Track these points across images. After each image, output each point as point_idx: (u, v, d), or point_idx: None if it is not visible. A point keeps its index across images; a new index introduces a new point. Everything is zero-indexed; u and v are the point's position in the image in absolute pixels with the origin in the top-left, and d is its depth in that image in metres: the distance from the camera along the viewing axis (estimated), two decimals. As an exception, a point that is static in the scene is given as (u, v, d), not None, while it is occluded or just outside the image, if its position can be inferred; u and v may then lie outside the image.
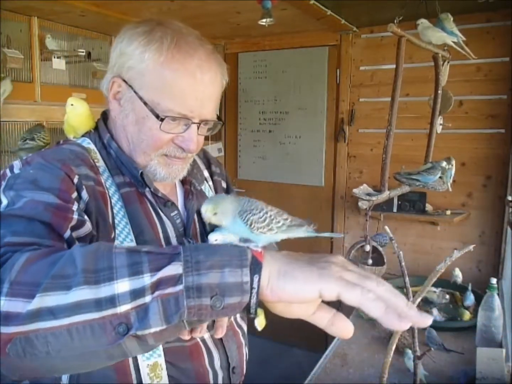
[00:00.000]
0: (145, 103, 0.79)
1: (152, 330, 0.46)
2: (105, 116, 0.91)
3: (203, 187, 1.00)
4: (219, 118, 0.87)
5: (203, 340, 0.85)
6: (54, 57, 2.27)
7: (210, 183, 1.05)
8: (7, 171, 0.73)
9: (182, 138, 0.82)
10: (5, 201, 0.65)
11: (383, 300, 0.46)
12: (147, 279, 0.46)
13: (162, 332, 0.47)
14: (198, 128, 0.82)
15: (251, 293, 0.47)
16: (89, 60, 2.43)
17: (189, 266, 0.47)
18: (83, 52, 2.36)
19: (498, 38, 2.36)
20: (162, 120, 0.78)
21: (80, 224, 0.68)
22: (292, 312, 0.51)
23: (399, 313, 0.46)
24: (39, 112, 2.19)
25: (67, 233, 0.64)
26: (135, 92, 0.80)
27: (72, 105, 0.91)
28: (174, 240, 0.87)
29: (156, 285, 0.46)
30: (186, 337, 0.61)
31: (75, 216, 0.67)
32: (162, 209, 0.87)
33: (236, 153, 3.37)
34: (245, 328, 0.99)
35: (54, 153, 0.78)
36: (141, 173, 0.84)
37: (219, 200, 0.59)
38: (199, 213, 0.94)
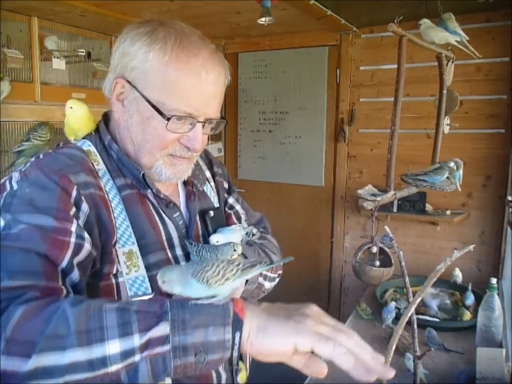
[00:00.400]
0: (151, 103, 0.78)
1: None
2: (106, 117, 0.90)
3: (205, 188, 1.00)
4: (222, 117, 0.87)
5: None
6: (54, 57, 2.26)
7: (212, 183, 1.04)
8: (6, 183, 0.73)
9: (188, 137, 0.82)
10: (2, 223, 0.65)
11: (353, 353, 0.52)
12: (136, 340, 0.50)
13: None
14: (202, 127, 0.82)
15: (232, 348, 0.52)
16: (89, 60, 2.43)
17: (176, 326, 0.51)
18: (83, 52, 2.36)
19: (498, 38, 2.36)
20: (168, 119, 0.78)
21: (78, 249, 0.69)
22: (271, 359, 0.55)
23: (367, 366, 0.52)
24: (39, 112, 2.18)
25: (64, 263, 0.66)
26: (139, 92, 0.79)
27: (71, 107, 0.89)
28: (176, 242, 0.87)
29: (145, 346, 0.51)
30: None
31: (73, 240, 0.68)
32: (165, 211, 0.87)
33: (236, 153, 3.37)
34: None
35: (52, 162, 0.77)
36: (143, 174, 0.83)
37: (166, 270, 0.62)
38: (201, 214, 0.95)
